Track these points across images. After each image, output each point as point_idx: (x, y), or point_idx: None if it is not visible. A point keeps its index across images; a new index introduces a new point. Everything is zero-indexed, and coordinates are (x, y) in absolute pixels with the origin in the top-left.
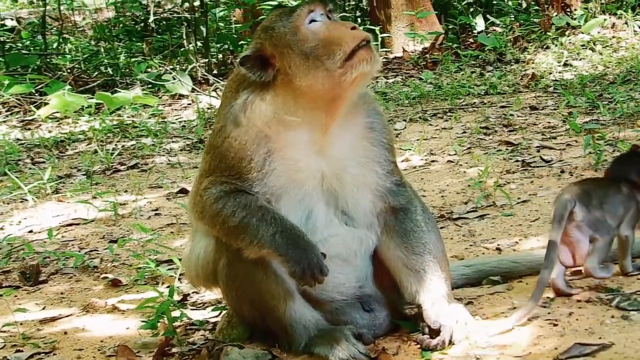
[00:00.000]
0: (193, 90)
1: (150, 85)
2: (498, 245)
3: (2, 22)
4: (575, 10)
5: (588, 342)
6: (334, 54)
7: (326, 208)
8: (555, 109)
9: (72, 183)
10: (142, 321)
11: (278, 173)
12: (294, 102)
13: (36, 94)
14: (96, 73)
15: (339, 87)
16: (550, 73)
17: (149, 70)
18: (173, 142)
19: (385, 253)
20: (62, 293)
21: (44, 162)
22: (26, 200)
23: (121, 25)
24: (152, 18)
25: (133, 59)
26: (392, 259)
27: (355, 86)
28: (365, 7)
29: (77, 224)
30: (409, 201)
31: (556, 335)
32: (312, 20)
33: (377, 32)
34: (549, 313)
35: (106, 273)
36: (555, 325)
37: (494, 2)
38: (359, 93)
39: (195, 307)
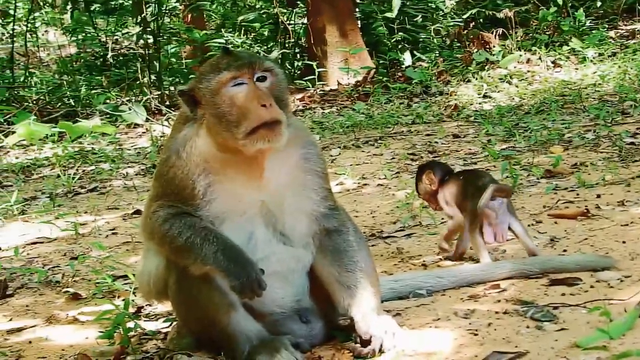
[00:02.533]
0: (147, 120)
1: (108, 116)
2: (424, 261)
3: None
4: (494, 47)
5: (505, 350)
6: (240, 126)
7: (266, 230)
8: (475, 137)
9: (37, 205)
10: (100, 331)
11: (219, 202)
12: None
13: (4, 124)
14: (59, 104)
15: (246, 152)
16: (471, 104)
17: (108, 101)
18: (129, 167)
19: (320, 270)
20: (27, 306)
21: (11, 186)
22: None
23: (82, 60)
24: (110, 54)
25: (93, 91)
26: (327, 275)
27: (263, 152)
28: (303, 44)
29: (41, 242)
30: (341, 223)
31: (476, 344)
32: (238, 84)
33: (315, 66)
34: (470, 324)
35: (67, 287)
36: (475, 334)
37: (420, 39)
38: (295, 126)
39: (148, 319)
